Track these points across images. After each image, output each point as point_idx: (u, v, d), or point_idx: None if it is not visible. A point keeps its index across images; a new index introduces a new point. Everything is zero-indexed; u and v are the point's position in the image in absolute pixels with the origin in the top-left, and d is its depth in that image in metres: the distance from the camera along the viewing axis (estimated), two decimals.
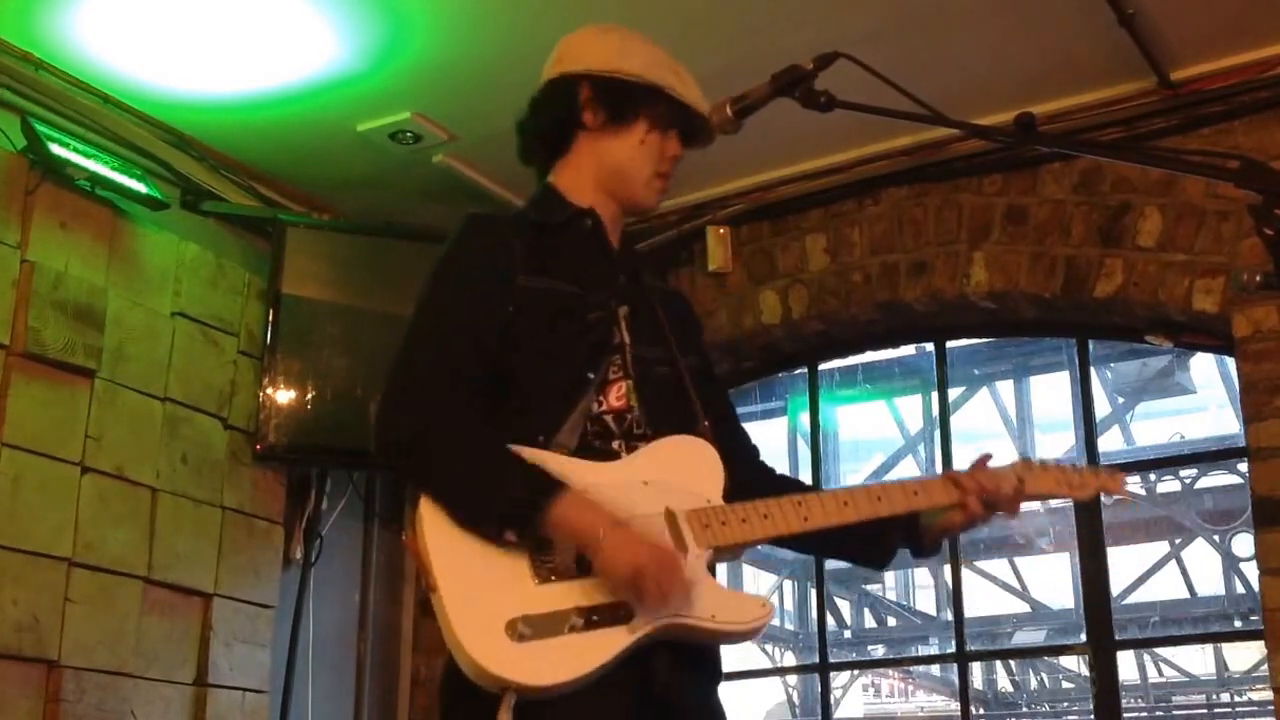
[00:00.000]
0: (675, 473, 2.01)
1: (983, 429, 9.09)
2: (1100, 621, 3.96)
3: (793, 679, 10.30)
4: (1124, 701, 4.38)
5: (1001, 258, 4.02)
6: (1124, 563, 8.61)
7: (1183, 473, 8.87)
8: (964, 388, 8.83)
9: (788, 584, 10.08)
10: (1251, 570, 5.25)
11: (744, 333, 4.43)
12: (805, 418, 4.95)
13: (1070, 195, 3.93)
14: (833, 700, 8.14)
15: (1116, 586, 7.11)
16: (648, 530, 1.90)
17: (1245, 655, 10.01)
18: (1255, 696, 9.90)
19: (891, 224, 4.24)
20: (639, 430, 2.05)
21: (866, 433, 9.47)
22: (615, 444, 2.03)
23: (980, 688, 10.50)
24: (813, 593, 8.70)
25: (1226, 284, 3.63)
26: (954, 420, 4.96)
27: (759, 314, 4.40)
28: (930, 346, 4.87)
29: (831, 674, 5.42)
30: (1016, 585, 10.18)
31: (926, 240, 4.16)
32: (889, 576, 10.50)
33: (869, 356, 5.43)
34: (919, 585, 10.66)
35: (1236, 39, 3.62)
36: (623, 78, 2.13)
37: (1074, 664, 10.41)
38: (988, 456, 2.24)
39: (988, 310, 4.17)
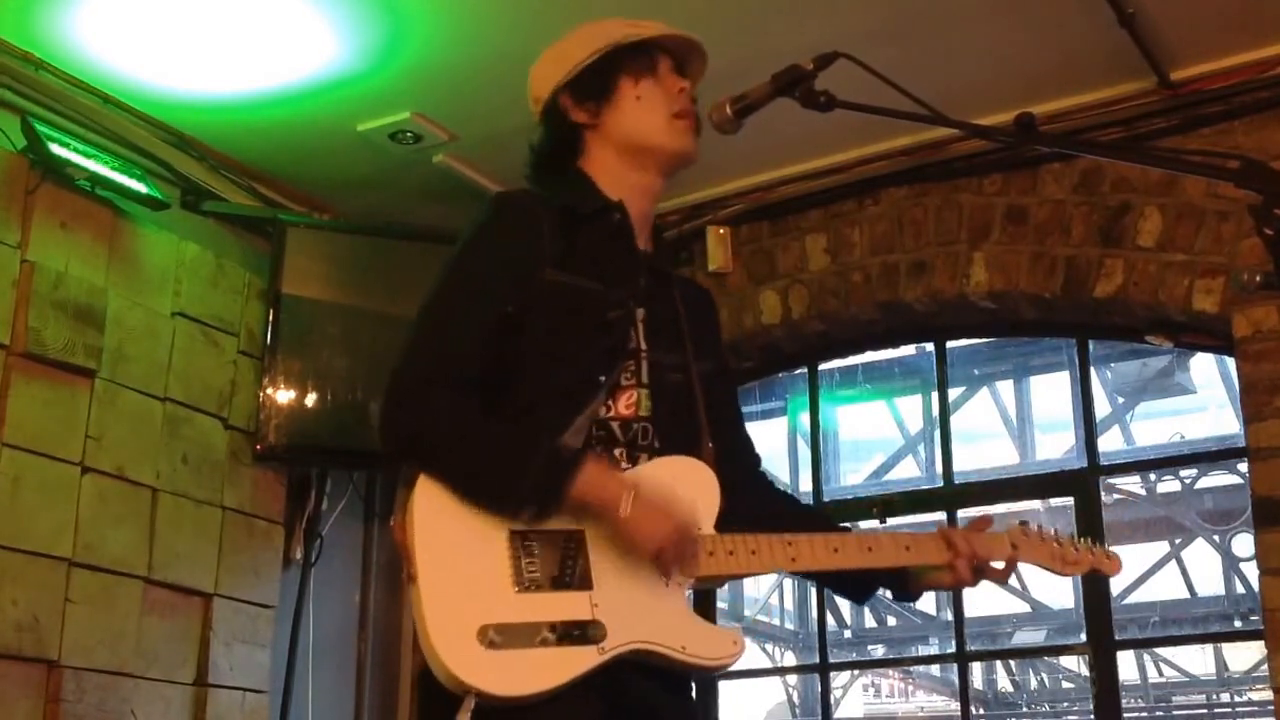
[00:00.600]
0: (669, 496, 2.00)
1: (983, 429, 9.09)
2: (1100, 621, 3.96)
3: (793, 679, 10.31)
4: (1124, 701, 4.38)
5: (1001, 258, 4.02)
6: (1124, 562, 8.58)
7: (1183, 473, 8.87)
8: (964, 388, 8.82)
9: (788, 583, 10.08)
10: (1251, 570, 5.25)
11: (744, 333, 4.43)
12: (805, 418, 4.94)
13: (1070, 195, 3.93)
14: (833, 700, 8.15)
15: (1116, 586, 7.14)
16: (665, 497, 1.92)
17: (1245, 655, 10.01)
18: (1255, 696, 9.90)
19: (891, 224, 4.24)
20: (644, 441, 2.04)
21: (866, 433, 9.45)
22: (617, 451, 2.02)
23: (980, 688, 10.51)
24: (813, 592, 8.69)
25: (1226, 284, 3.63)
26: (954, 420, 4.95)
27: (759, 314, 4.40)
28: (930, 346, 4.86)
29: (831, 674, 5.43)
30: (1016, 585, 10.15)
31: (926, 240, 4.16)
32: None
33: (869, 356, 5.41)
34: None
35: (1236, 39, 3.62)
36: (583, 64, 2.14)
37: (1074, 664, 10.42)
38: (989, 520, 2.22)
39: (988, 310, 4.17)
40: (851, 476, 9.15)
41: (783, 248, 4.42)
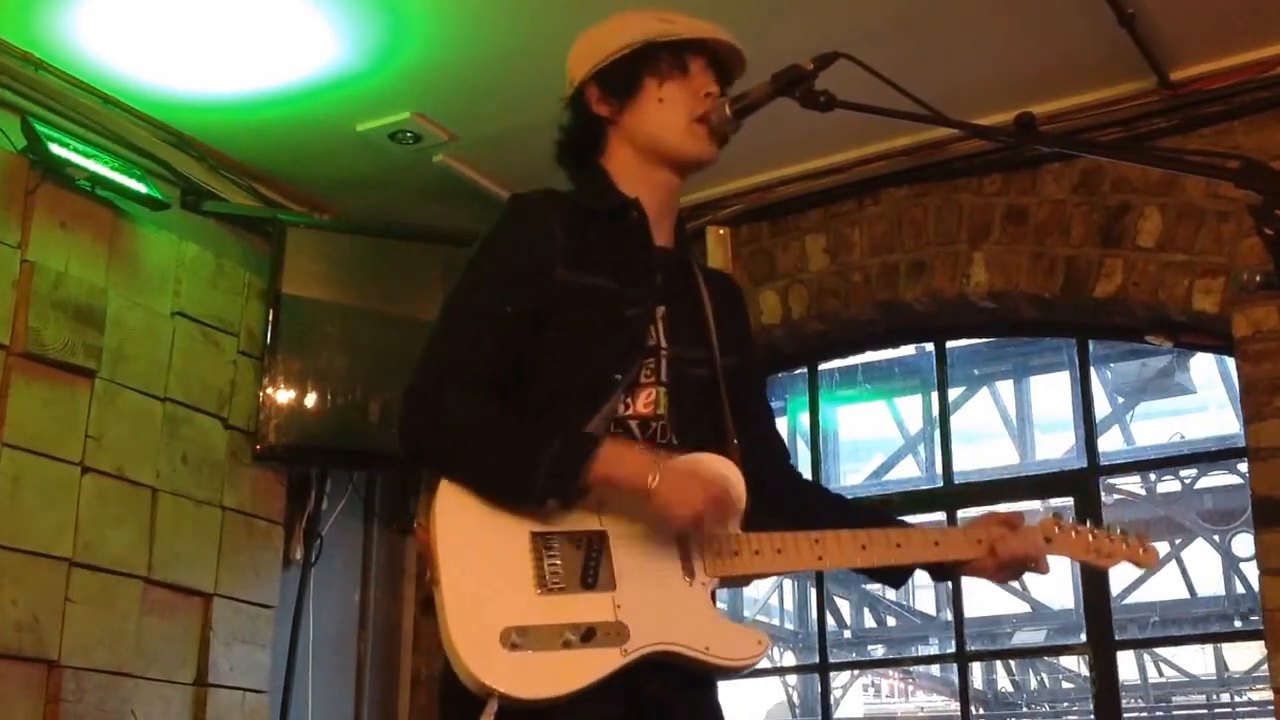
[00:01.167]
0: (697, 461, 1.97)
1: (983, 429, 9.09)
2: (1100, 621, 3.97)
3: (793, 679, 10.31)
4: (1124, 701, 4.38)
5: (1001, 258, 4.02)
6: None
7: (1183, 473, 8.87)
8: (964, 388, 8.82)
9: (788, 583, 10.08)
10: (1251, 570, 5.25)
11: None
12: (805, 418, 4.93)
13: (1070, 195, 3.93)
14: (833, 700, 8.14)
15: (1116, 586, 7.13)
16: (694, 462, 1.91)
17: (1245, 655, 10.02)
18: (1255, 696, 9.91)
19: (891, 224, 4.24)
20: (664, 439, 2.01)
21: (866, 433, 9.46)
22: None
23: (980, 688, 10.51)
24: (813, 592, 8.69)
25: (1226, 284, 3.63)
26: (954, 420, 4.95)
27: (759, 314, 4.40)
28: (930, 346, 4.86)
29: (831, 674, 5.42)
30: (1016, 585, 10.15)
31: (926, 240, 4.16)
32: None
33: (869, 356, 5.42)
34: (919, 585, 10.63)
35: (1236, 39, 3.62)
36: (613, 58, 2.11)
37: (1074, 664, 10.42)
38: (1019, 517, 2.18)
39: (988, 310, 4.17)
40: (851, 477, 9.15)
41: (782, 248, 4.42)
